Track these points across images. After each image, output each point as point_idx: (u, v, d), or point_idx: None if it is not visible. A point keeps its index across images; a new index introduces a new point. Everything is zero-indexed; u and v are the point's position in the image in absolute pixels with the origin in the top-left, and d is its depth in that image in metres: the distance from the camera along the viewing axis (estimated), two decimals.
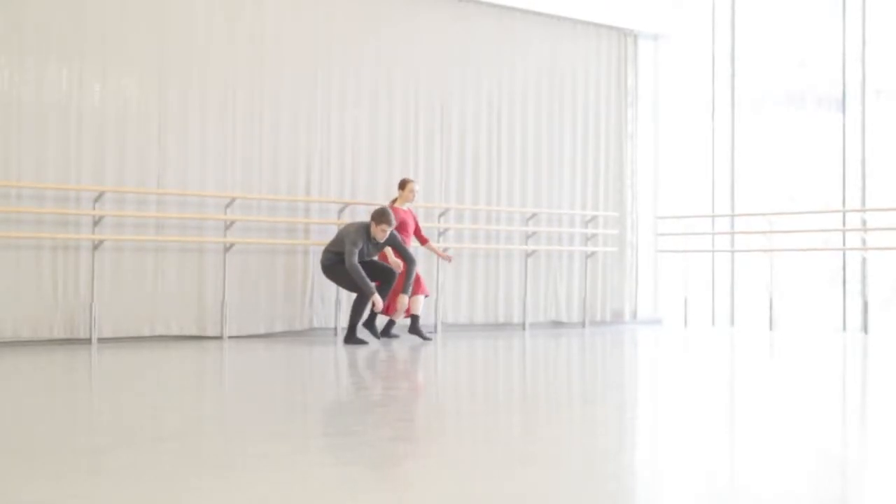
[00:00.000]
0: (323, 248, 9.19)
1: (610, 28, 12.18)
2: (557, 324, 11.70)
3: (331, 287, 9.80)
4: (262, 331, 9.65)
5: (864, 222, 11.13)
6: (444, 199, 10.85)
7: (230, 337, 9.40)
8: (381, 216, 8.74)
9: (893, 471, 3.79)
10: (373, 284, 8.82)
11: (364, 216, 9.76)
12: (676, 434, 4.58)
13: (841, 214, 11.46)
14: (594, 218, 11.95)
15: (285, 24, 9.87)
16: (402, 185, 9.60)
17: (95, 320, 8.70)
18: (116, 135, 8.94)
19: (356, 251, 8.68)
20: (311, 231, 9.98)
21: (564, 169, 11.78)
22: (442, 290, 10.69)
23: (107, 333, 8.81)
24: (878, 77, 11.27)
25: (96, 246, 8.76)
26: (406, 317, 9.45)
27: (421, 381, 6.88)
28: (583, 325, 11.80)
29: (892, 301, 11.28)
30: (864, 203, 11.25)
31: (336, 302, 9.93)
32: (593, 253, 11.95)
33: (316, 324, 9.95)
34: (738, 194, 12.45)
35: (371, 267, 8.97)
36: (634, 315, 12.42)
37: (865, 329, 10.95)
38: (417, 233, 9.66)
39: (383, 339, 9.30)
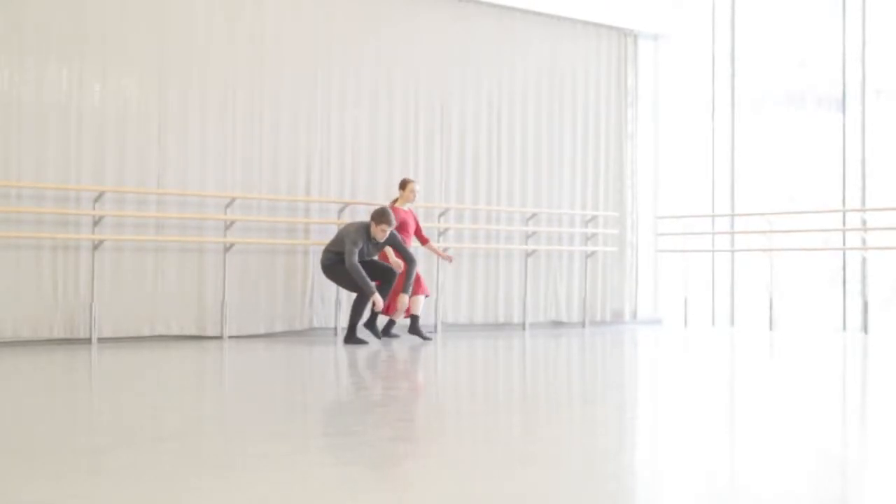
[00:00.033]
0: (323, 248, 9.19)
1: (610, 28, 12.18)
2: (557, 324, 11.70)
3: (331, 287, 9.80)
4: (262, 331, 9.65)
5: (864, 222, 11.13)
6: (444, 199, 10.85)
7: (230, 337, 9.40)
8: (380, 216, 8.74)
9: (893, 471, 3.79)
10: (373, 284, 8.82)
11: (364, 216, 9.76)
12: (676, 434, 4.58)
13: (841, 214, 11.47)
14: (594, 218, 11.96)
15: (285, 24, 9.87)
16: (403, 185, 9.60)
17: (95, 320, 8.70)
18: (116, 135, 8.94)
19: (356, 251, 8.68)
20: (311, 231, 9.98)
21: (564, 169, 11.78)
22: (442, 290, 10.69)
23: (107, 333, 8.81)
24: (878, 77, 11.27)
25: (96, 246, 8.77)
26: (406, 317, 9.45)
27: (421, 381, 6.88)
28: (583, 325, 11.80)
29: (892, 301, 11.28)
30: (864, 203, 11.25)
31: (336, 302, 9.93)
32: (593, 253, 11.95)
33: (316, 324, 9.95)
34: (737, 194, 12.45)
35: (371, 267, 8.97)
36: (634, 315, 12.42)
37: (865, 329, 10.95)
38: (418, 233, 9.66)
39: (383, 339, 9.30)
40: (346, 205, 10.09)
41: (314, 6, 10.05)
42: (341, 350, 8.48)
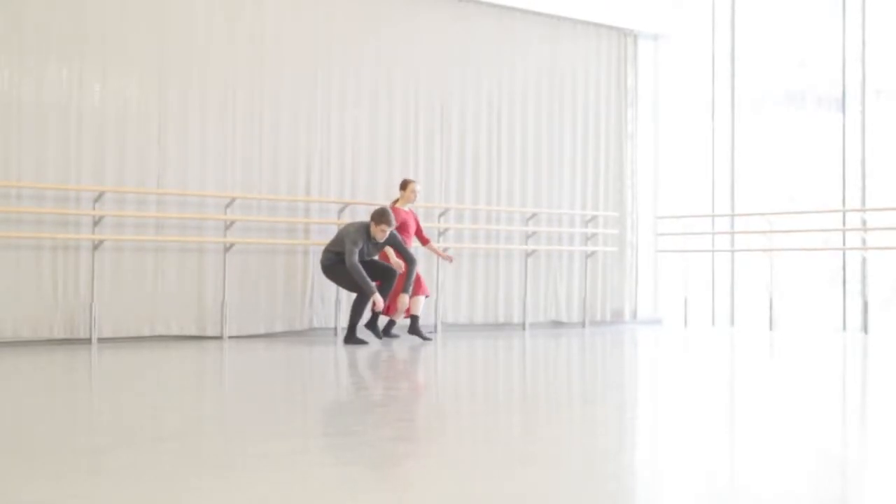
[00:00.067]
0: (323, 248, 9.19)
1: (610, 28, 12.18)
2: (557, 324, 11.70)
3: (331, 287, 9.80)
4: (262, 331, 9.65)
5: (864, 222, 11.13)
6: (444, 199, 10.85)
7: (230, 337, 9.40)
8: (380, 216, 8.74)
9: (893, 471, 3.79)
10: (373, 284, 8.82)
11: (364, 216, 9.76)
12: (676, 434, 4.58)
13: (841, 214, 11.47)
14: (594, 218, 11.96)
15: (285, 24, 9.87)
16: (404, 185, 9.60)
17: (95, 320, 8.70)
18: (116, 135, 8.94)
19: (356, 251, 8.68)
20: (311, 231, 9.98)
21: (564, 169, 11.78)
22: (442, 290, 10.69)
23: (107, 333, 8.81)
24: (878, 77, 11.27)
25: (96, 246, 8.77)
26: (406, 317, 9.45)
27: (421, 381, 6.88)
28: (583, 325, 11.80)
29: (892, 301, 11.28)
30: (864, 203, 11.25)
31: (336, 302, 9.93)
32: (593, 253, 11.95)
33: (316, 324, 9.95)
34: (737, 194, 12.45)
35: (371, 267, 8.97)
36: (634, 315, 12.42)
37: (865, 329, 10.95)
38: (419, 233, 9.66)
39: (384, 340, 9.30)
40: (346, 205, 10.09)
41: (314, 6, 10.05)
42: (341, 350, 8.48)
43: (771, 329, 11.55)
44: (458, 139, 10.99)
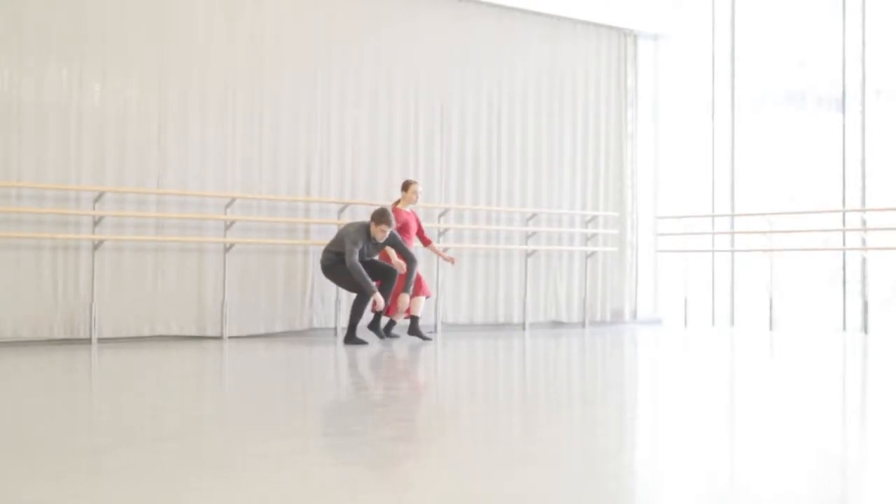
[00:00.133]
0: (323, 248, 9.19)
1: (610, 28, 12.18)
2: (557, 324, 11.70)
3: (331, 287, 9.80)
4: (262, 331, 9.65)
5: (864, 222, 11.13)
6: (444, 199, 10.85)
7: (230, 337, 9.40)
8: (380, 216, 8.75)
9: (893, 471, 3.79)
10: (374, 284, 8.82)
11: (364, 216, 9.76)
12: (676, 434, 4.58)
13: (841, 214, 11.46)
14: (594, 218, 11.96)
15: (285, 24, 9.87)
16: (405, 186, 9.60)
17: (95, 320, 8.70)
18: (116, 135, 8.94)
19: (356, 251, 8.68)
20: (311, 231, 9.98)
21: (564, 169, 11.78)
22: (442, 290, 10.69)
23: (107, 333, 8.81)
24: (878, 77, 11.27)
25: (96, 246, 8.77)
26: (406, 317, 9.44)
27: (421, 381, 6.88)
28: (583, 325, 11.80)
29: (892, 301, 11.28)
30: (864, 203, 11.25)
31: (336, 302, 9.93)
32: (593, 253, 11.95)
33: (316, 324, 9.95)
34: (737, 194, 12.45)
35: (372, 267, 8.97)
36: (634, 315, 12.42)
37: (865, 329, 10.95)
38: (420, 234, 9.66)
39: (384, 340, 9.29)
40: (346, 205, 10.09)
41: (314, 6, 10.05)
42: (341, 350, 8.48)
43: (771, 329, 11.55)
44: (458, 139, 10.99)
